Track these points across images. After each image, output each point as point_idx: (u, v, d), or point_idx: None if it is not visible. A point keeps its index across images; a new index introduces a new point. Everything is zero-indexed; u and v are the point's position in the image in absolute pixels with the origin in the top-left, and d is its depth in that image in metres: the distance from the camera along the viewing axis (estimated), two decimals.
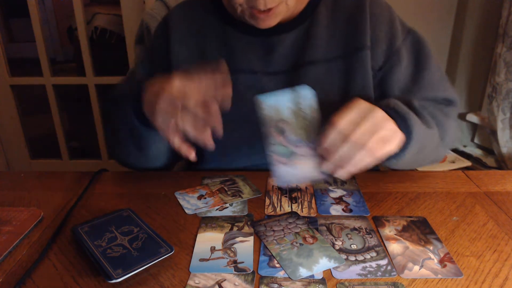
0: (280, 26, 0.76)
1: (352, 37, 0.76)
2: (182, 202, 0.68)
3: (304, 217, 0.63)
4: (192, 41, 0.80)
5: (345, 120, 0.56)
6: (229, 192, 0.71)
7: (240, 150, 0.79)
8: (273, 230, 0.60)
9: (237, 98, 0.77)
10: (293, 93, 0.60)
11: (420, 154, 0.69)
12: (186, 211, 0.66)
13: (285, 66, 0.77)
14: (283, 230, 0.60)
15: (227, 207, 0.67)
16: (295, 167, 0.61)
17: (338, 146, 0.56)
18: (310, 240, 0.58)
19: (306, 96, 0.60)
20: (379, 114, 0.58)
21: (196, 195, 0.71)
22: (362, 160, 0.57)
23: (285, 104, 0.60)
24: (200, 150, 0.82)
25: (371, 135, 0.56)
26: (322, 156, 0.59)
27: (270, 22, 0.71)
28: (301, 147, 0.60)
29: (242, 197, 0.69)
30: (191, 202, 0.68)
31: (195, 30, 0.80)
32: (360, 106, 0.58)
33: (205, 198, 0.69)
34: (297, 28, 0.77)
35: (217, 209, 0.66)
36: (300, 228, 0.60)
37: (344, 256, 0.54)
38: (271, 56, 0.77)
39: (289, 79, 0.77)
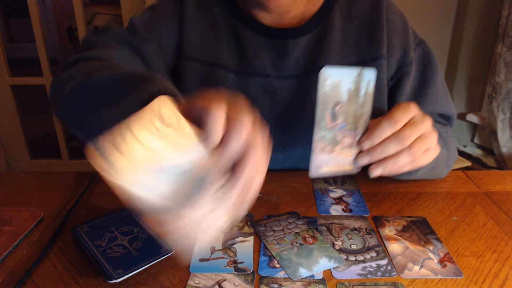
0: (294, 30, 0.74)
1: (367, 44, 0.74)
2: None
3: (304, 217, 0.63)
4: (204, 29, 0.76)
5: (401, 116, 0.54)
6: None
7: None
8: (273, 230, 0.60)
9: (248, 101, 0.75)
10: (357, 73, 0.54)
11: (431, 171, 0.69)
12: None
13: (297, 70, 0.75)
14: (283, 230, 0.60)
15: None
16: (334, 157, 0.57)
17: (386, 140, 0.54)
18: (310, 240, 0.58)
19: (368, 80, 0.55)
20: (430, 124, 0.57)
21: None
22: (404, 164, 0.55)
23: (347, 84, 0.54)
24: None
25: (420, 142, 0.55)
26: (363, 149, 0.57)
27: (279, 0, 0.67)
28: (347, 136, 0.56)
29: None
30: None
31: (207, 21, 0.76)
32: (416, 110, 0.56)
33: None
34: (310, 32, 0.74)
35: None
36: (300, 228, 0.60)
37: (344, 256, 0.54)
38: (284, 60, 0.74)
39: (301, 84, 0.75)
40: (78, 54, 0.65)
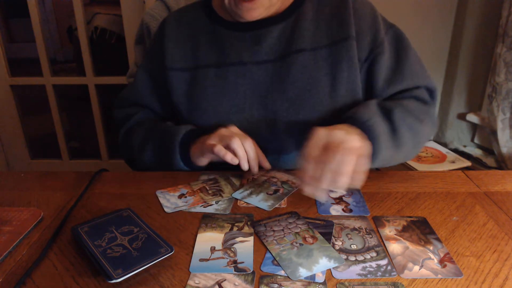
0: (267, 20, 0.81)
1: (337, 28, 0.80)
2: (162, 201, 0.69)
3: (304, 217, 0.63)
4: (185, 43, 0.85)
5: (311, 151, 0.60)
6: (210, 191, 0.71)
7: None
8: (273, 230, 0.60)
9: (229, 89, 0.82)
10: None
11: (389, 163, 0.75)
12: (165, 209, 0.66)
13: (273, 55, 0.81)
14: (283, 230, 0.60)
15: (212, 205, 0.68)
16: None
17: (315, 172, 0.58)
18: (310, 240, 0.58)
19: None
20: (342, 134, 0.60)
21: (177, 194, 0.71)
22: (336, 179, 0.57)
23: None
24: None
25: (340, 164, 0.57)
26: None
27: (254, 12, 0.76)
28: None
29: (222, 196, 0.70)
30: (171, 201, 0.69)
31: (188, 34, 0.86)
32: (321, 134, 0.61)
33: (186, 197, 0.70)
34: (283, 21, 0.81)
35: (201, 206, 0.67)
36: (300, 228, 0.60)
37: (344, 256, 0.54)
38: (259, 46, 0.81)
39: (277, 68, 0.81)
40: (125, 125, 0.91)
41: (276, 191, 0.71)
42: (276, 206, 0.67)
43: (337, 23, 0.80)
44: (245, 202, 0.68)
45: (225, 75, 0.82)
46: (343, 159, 0.57)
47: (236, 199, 0.69)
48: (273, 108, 0.80)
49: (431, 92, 0.84)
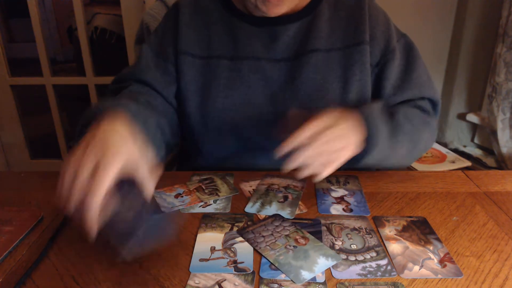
0: (284, 18, 0.81)
1: (352, 32, 0.81)
2: (158, 201, 0.69)
3: (288, 218, 0.63)
4: (199, 29, 0.84)
5: (310, 128, 0.62)
6: (206, 191, 0.71)
7: (243, 131, 0.82)
8: (263, 236, 0.59)
9: (241, 82, 0.81)
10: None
11: (384, 162, 0.74)
12: (162, 209, 0.66)
13: (287, 54, 0.81)
14: (272, 234, 0.59)
15: (211, 204, 0.68)
16: None
17: (300, 150, 0.61)
18: (302, 241, 0.57)
19: None
20: (344, 126, 0.64)
21: (174, 193, 0.71)
22: (319, 165, 0.62)
23: None
24: (197, 142, 0.83)
25: (327, 146, 0.62)
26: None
27: (279, 8, 0.76)
28: None
29: (218, 196, 0.70)
30: (167, 201, 0.69)
31: (202, 20, 0.84)
32: (328, 116, 0.64)
33: (182, 196, 0.70)
34: (300, 20, 0.81)
35: (200, 206, 0.67)
36: (289, 230, 0.60)
37: (344, 256, 0.54)
38: (275, 44, 0.81)
39: (291, 66, 0.81)
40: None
41: (286, 197, 0.69)
42: (297, 212, 0.65)
43: (353, 27, 0.80)
44: (265, 215, 0.65)
45: (238, 68, 0.81)
46: (329, 142, 0.61)
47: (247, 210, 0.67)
48: (283, 107, 0.80)
49: (434, 104, 0.86)
